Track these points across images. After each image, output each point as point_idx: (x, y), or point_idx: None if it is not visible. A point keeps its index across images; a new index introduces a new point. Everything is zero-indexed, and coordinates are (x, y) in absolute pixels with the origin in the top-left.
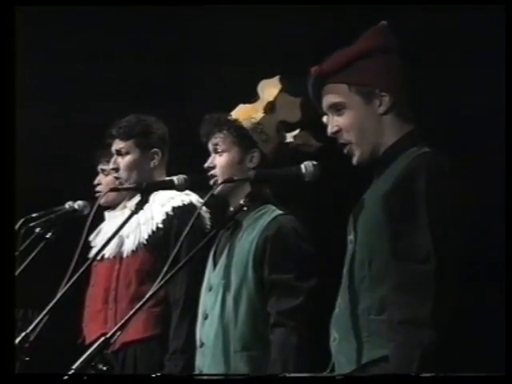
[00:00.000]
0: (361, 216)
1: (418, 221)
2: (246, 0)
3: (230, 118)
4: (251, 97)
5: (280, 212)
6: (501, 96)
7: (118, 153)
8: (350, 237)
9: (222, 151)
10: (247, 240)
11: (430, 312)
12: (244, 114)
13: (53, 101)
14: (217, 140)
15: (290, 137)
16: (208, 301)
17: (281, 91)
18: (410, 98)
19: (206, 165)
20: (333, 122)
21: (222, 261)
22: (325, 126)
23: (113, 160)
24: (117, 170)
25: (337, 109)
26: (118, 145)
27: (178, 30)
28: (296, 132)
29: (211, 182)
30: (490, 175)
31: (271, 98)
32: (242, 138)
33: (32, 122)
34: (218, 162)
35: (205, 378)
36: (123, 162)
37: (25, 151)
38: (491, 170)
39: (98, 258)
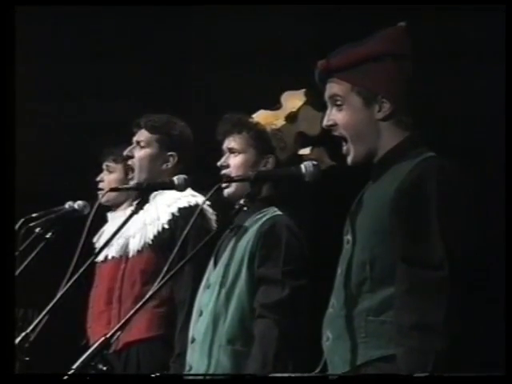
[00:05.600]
0: (360, 218)
1: (429, 226)
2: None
3: (251, 120)
4: (253, 96)
5: (279, 213)
6: (501, 96)
7: (138, 143)
8: (348, 237)
9: (238, 152)
10: (245, 239)
11: (443, 317)
12: (265, 118)
13: (53, 101)
14: (234, 140)
15: (305, 149)
16: (204, 298)
17: (305, 103)
18: (412, 103)
19: (219, 163)
20: (330, 115)
21: (223, 260)
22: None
23: (129, 148)
24: (131, 158)
25: (336, 102)
26: (140, 136)
27: (179, 30)
28: (311, 147)
29: (223, 181)
30: (495, 178)
31: (294, 109)
32: (261, 141)
33: (32, 122)
34: (233, 162)
35: (191, 377)
36: (139, 153)
37: (25, 152)
38: (496, 173)
39: (102, 258)
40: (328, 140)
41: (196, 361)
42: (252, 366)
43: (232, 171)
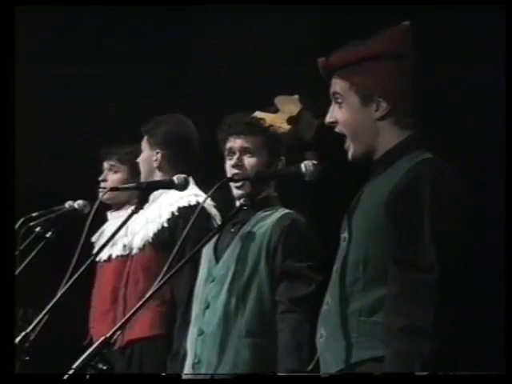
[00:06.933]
0: (357, 216)
1: (421, 230)
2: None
3: (263, 121)
4: (251, 97)
5: (288, 211)
6: (501, 96)
7: (141, 148)
8: (344, 235)
9: (253, 153)
10: (259, 233)
11: (431, 321)
12: (273, 121)
13: (53, 101)
14: (249, 141)
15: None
16: (210, 291)
17: (302, 109)
18: (413, 103)
19: (232, 163)
20: (332, 112)
21: (228, 254)
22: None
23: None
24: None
25: (337, 100)
26: (142, 141)
27: (179, 30)
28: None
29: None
30: (493, 182)
31: (293, 113)
32: (274, 143)
33: (32, 122)
34: (248, 162)
35: (191, 376)
36: (140, 157)
37: (25, 151)
38: (495, 177)
39: (105, 258)
40: (317, 146)
41: (207, 353)
42: (287, 361)
43: (247, 172)
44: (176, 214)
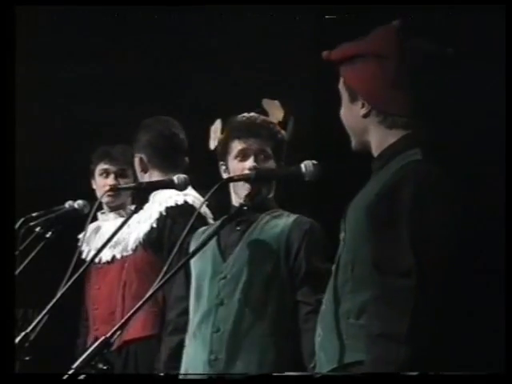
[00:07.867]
0: (349, 216)
1: (400, 234)
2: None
3: (273, 126)
4: (250, 98)
5: (299, 215)
6: (501, 97)
7: None
8: (342, 235)
9: (266, 155)
10: (273, 233)
11: (407, 327)
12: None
13: (53, 101)
14: (264, 143)
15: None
16: (223, 288)
17: (286, 114)
18: (403, 105)
19: (248, 164)
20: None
21: (239, 253)
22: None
23: None
24: None
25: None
26: None
27: (178, 31)
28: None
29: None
30: (492, 184)
31: (280, 118)
32: (282, 147)
33: (32, 122)
34: (264, 165)
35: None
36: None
37: (25, 151)
38: (494, 177)
39: (109, 259)
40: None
41: (226, 350)
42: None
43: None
44: (164, 213)
